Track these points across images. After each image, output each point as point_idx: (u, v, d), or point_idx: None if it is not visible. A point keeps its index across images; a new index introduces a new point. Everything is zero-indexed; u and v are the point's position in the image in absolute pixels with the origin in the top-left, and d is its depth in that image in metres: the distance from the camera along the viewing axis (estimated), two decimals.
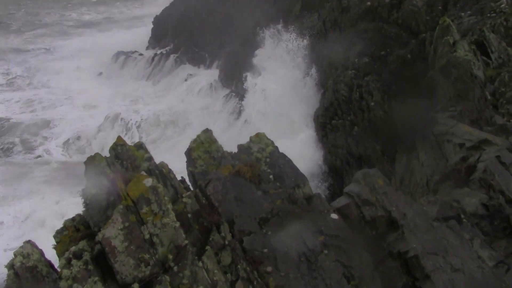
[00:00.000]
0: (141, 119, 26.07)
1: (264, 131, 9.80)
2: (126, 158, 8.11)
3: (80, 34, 44.34)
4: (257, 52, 24.07)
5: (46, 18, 45.48)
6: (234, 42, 29.96)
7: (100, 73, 34.73)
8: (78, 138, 26.89)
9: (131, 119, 26.95)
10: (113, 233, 6.87)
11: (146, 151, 8.37)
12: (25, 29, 44.22)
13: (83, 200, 7.47)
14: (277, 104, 21.37)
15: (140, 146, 8.41)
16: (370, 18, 19.73)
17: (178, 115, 25.53)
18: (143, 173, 7.46)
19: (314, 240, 7.99)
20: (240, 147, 9.62)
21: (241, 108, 25.21)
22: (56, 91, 33.64)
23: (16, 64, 37.72)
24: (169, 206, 7.32)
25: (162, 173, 7.87)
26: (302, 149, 18.59)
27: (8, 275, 6.72)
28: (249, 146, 9.60)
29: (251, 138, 9.69)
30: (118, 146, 8.20)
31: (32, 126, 28.60)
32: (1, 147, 26.68)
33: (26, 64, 37.34)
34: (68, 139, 26.96)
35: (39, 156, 24.97)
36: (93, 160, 7.86)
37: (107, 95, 31.98)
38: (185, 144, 9.46)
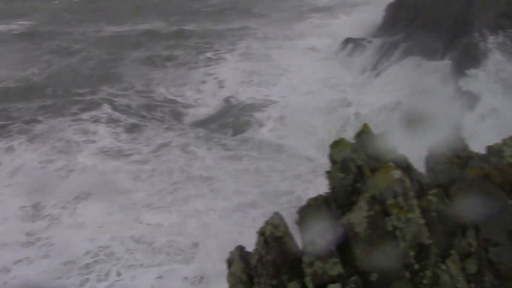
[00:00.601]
0: (366, 110, 25.88)
1: None
2: (370, 146, 8.11)
3: (312, 17, 46.22)
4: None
5: (286, 3, 48.69)
6: (472, 32, 27.86)
7: (326, 58, 35.54)
8: (291, 121, 27.35)
9: (352, 109, 26.81)
10: (357, 219, 6.96)
11: (390, 141, 8.27)
12: (268, 12, 47.98)
13: (329, 182, 7.71)
14: None
15: (384, 135, 8.34)
16: None
17: (407, 108, 24.68)
18: (391, 164, 7.37)
19: None
20: (489, 148, 8.90)
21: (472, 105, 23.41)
22: (275, 70, 34.87)
23: (256, 39, 40.72)
24: (414, 201, 7.13)
25: (409, 166, 7.70)
26: None
27: (259, 241, 7.32)
28: (500, 149, 8.81)
29: (504, 140, 8.88)
30: (364, 134, 8.24)
31: (248, 106, 29.86)
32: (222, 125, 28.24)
33: (264, 42, 40.09)
34: (280, 120, 27.50)
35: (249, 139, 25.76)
36: (338, 145, 8.06)
37: (328, 80, 32.50)
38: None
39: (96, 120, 27.74)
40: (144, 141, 25.39)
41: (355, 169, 7.37)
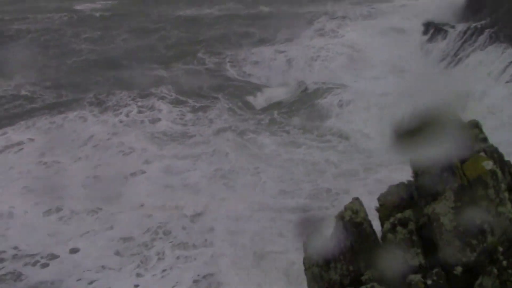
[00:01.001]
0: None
1: None
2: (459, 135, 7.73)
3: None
4: None
5: None
6: None
7: (405, 41, 33.97)
8: (357, 108, 25.98)
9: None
10: (443, 210, 6.68)
11: (481, 131, 7.85)
12: None
13: (412, 169, 7.46)
14: None
15: (475, 124, 7.92)
16: None
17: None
18: (482, 154, 7.00)
19: None
20: None
21: None
22: (347, 50, 33.44)
23: (333, 20, 39.61)
24: (506, 194, 6.75)
25: (500, 157, 7.28)
26: None
27: (337, 225, 7.21)
28: None
29: None
30: (452, 122, 7.87)
31: (316, 89, 28.73)
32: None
33: (342, 21, 38.90)
34: (346, 107, 26.22)
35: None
36: None
37: (401, 66, 31.13)
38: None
39: (163, 97, 28.03)
40: (207, 123, 25.42)
41: (443, 158, 7.04)
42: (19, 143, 23.61)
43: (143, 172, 21.23)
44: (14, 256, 16.50)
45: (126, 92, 28.80)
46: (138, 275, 15.64)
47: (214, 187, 19.90)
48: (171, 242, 16.92)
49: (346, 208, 7.28)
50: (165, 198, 19.41)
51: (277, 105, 28.05)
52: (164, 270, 15.79)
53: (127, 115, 26.28)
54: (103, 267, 16.01)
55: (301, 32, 38.14)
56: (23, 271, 15.89)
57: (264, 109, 27.69)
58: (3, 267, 16.11)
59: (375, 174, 19.62)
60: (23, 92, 29.73)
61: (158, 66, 33.61)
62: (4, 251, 16.72)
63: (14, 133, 24.57)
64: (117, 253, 16.65)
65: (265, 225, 17.20)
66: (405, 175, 7.81)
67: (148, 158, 22.22)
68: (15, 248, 16.86)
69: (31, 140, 23.95)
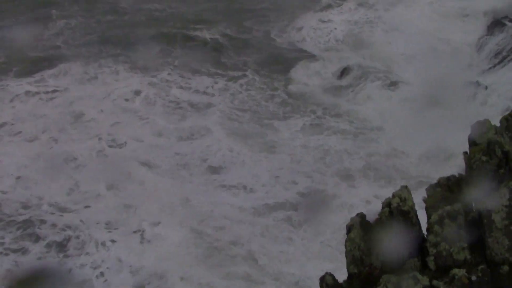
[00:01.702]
0: None
1: None
2: None
3: None
4: None
5: None
6: None
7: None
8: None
9: None
10: (495, 207, 6.55)
11: None
12: None
13: (466, 163, 7.31)
14: None
15: None
16: None
17: None
18: None
19: None
20: None
21: None
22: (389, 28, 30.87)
23: None
24: None
25: None
26: None
27: (383, 212, 7.16)
28: None
29: None
30: (511, 118, 7.68)
31: (353, 68, 26.76)
32: None
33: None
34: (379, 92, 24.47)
35: None
36: (482, 126, 7.59)
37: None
38: None
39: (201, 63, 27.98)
40: (245, 100, 24.97)
41: (500, 154, 6.88)
42: (53, 91, 24.05)
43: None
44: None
45: (165, 54, 28.42)
46: None
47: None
48: None
49: (394, 195, 7.20)
50: None
51: (311, 80, 26.85)
52: None
53: (157, 77, 26.05)
54: None
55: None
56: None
57: (296, 88, 26.73)
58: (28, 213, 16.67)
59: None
60: (62, 39, 29.70)
61: (199, 26, 32.74)
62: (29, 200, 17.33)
63: (50, 78, 25.01)
64: None
65: None
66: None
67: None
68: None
69: (64, 88, 24.33)
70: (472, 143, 7.61)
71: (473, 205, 7.02)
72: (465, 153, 7.59)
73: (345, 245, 7.41)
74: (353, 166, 19.32)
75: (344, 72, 27.12)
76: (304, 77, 26.62)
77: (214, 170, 19.14)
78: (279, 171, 18.94)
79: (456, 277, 6.39)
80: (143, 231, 16.05)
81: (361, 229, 7.49)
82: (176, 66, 26.96)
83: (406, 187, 7.44)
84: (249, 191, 17.94)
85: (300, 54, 29.02)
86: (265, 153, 20.06)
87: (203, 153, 20.02)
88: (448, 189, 7.58)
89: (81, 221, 16.41)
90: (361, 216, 7.69)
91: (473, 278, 6.33)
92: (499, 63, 28.32)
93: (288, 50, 29.58)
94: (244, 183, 18.27)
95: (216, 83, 25.54)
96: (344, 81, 26.80)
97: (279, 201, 17.44)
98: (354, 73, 27.00)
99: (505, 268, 6.45)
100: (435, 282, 6.45)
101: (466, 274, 6.41)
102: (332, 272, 7.51)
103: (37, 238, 15.81)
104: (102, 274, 14.70)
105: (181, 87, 25.04)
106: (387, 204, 7.19)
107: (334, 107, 23.86)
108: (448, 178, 7.67)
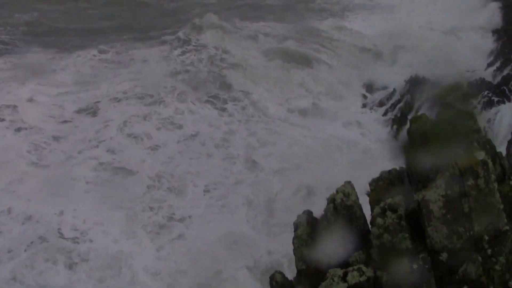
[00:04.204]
0: None
1: None
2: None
3: None
4: None
5: None
6: None
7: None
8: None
9: None
10: (433, 197, 6.78)
11: (475, 122, 7.95)
12: None
13: (405, 156, 7.55)
14: None
15: (470, 116, 8.01)
16: None
17: None
18: (475, 144, 7.10)
19: None
20: None
21: None
22: None
23: None
24: (495, 185, 6.86)
25: (492, 149, 7.39)
26: None
27: (328, 208, 7.31)
28: None
29: None
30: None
31: None
32: None
33: None
34: None
35: None
36: (418, 120, 7.84)
37: None
38: None
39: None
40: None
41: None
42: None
43: None
44: None
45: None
46: None
47: None
48: None
49: (337, 191, 7.37)
50: None
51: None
52: None
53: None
54: None
55: None
56: None
57: None
58: None
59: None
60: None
61: None
62: None
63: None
64: None
65: None
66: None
67: None
68: None
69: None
70: (411, 136, 7.85)
71: (414, 196, 7.27)
72: (405, 146, 7.84)
73: (293, 243, 7.54)
74: None
75: None
76: None
77: None
78: None
79: (399, 266, 6.59)
80: None
81: (308, 226, 7.64)
82: None
83: (349, 182, 7.63)
84: None
85: None
86: None
87: None
88: (390, 182, 7.81)
89: None
90: (308, 213, 7.84)
91: (415, 266, 6.54)
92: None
93: None
94: None
95: None
96: None
97: None
98: None
99: (444, 255, 6.69)
100: (379, 272, 6.64)
101: (408, 263, 6.61)
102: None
103: None
104: None
105: None
106: (332, 200, 7.35)
107: None
108: (389, 172, 7.90)
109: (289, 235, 7.88)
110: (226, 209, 15.39)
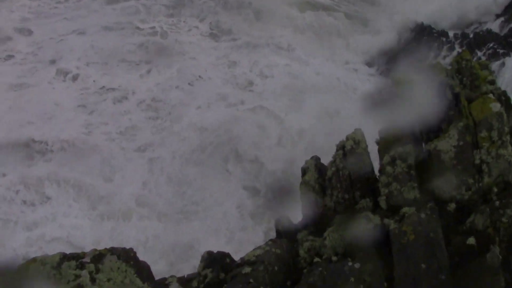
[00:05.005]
0: None
1: None
2: (468, 75, 7.63)
3: None
4: None
5: None
6: None
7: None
8: None
9: None
10: (445, 147, 6.73)
11: (490, 72, 7.77)
12: None
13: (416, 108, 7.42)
14: None
15: (485, 66, 7.82)
16: None
17: None
18: (491, 95, 6.97)
19: None
20: None
21: None
22: None
23: None
24: (508, 137, 6.79)
25: (507, 100, 7.26)
26: None
27: (337, 154, 7.24)
28: None
29: None
30: (463, 61, 7.75)
31: None
32: None
33: None
34: None
35: None
36: (433, 69, 7.66)
37: None
38: None
39: None
40: None
41: (450, 96, 7.00)
42: None
43: None
44: None
45: None
46: None
47: None
48: None
49: (347, 138, 7.27)
50: None
51: None
52: None
53: None
54: None
55: None
56: None
57: None
58: None
59: None
60: None
61: None
62: None
63: None
64: None
65: None
66: None
67: None
68: None
69: None
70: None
71: (423, 145, 7.20)
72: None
73: (300, 188, 7.51)
74: None
75: None
76: None
77: None
78: None
79: (406, 215, 6.60)
80: None
81: (316, 172, 7.59)
82: None
83: (359, 129, 7.51)
84: None
85: None
86: None
87: None
88: (400, 130, 7.70)
89: None
90: (316, 159, 7.78)
91: (422, 215, 6.54)
92: None
93: None
94: None
95: None
96: None
97: None
98: None
99: (452, 205, 6.70)
100: (386, 220, 6.65)
101: (416, 212, 6.62)
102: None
103: None
104: None
105: None
106: (341, 146, 7.27)
107: None
108: (400, 121, 7.77)
109: None
110: None
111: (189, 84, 19.41)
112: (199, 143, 16.51)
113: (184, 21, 23.95)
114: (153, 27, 23.09)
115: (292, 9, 24.47)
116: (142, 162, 15.95)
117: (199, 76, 19.84)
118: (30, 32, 22.89)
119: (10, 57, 21.23)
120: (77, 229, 13.69)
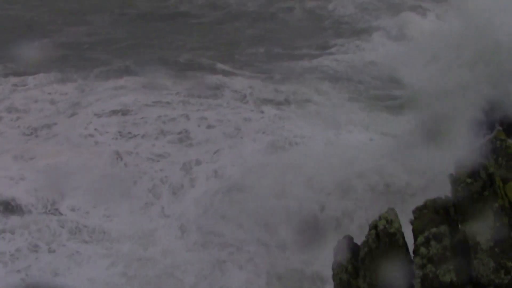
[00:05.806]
0: None
1: None
2: (503, 155, 7.59)
3: None
4: None
5: None
6: None
7: None
8: None
9: None
10: (481, 229, 6.59)
11: None
12: None
13: (451, 185, 7.36)
14: None
15: None
16: None
17: None
18: None
19: None
20: None
21: None
22: None
23: None
24: None
25: None
26: None
27: (370, 234, 7.18)
28: None
29: None
30: (498, 140, 7.74)
31: None
32: None
33: None
34: None
35: None
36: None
37: None
38: None
39: None
40: None
41: (485, 176, 6.94)
42: None
43: None
44: None
45: None
46: None
47: None
48: None
49: (380, 217, 7.23)
50: None
51: None
52: None
53: None
54: None
55: None
56: None
57: None
58: None
59: None
60: None
61: None
62: None
63: None
64: None
65: None
66: None
67: None
68: None
69: None
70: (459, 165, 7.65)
71: (459, 226, 7.07)
72: (451, 174, 7.64)
73: (332, 268, 7.42)
74: None
75: None
76: None
77: None
78: None
79: None
80: None
81: (349, 252, 7.51)
82: None
83: (392, 209, 7.47)
84: None
85: None
86: None
87: None
88: (434, 211, 7.61)
89: None
90: (349, 238, 7.72)
91: None
92: None
93: None
94: None
95: None
96: None
97: None
98: None
99: None
100: None
101: None
102: None
103: None
104: None
105: None
106: (374, 226, 7.22)
107: None
108: (434, 200, 7.70)
109: None
110: None
111: None
112: None
113: None
114: None
115: None
116: None
117: None
118: None
119: None
120: None
